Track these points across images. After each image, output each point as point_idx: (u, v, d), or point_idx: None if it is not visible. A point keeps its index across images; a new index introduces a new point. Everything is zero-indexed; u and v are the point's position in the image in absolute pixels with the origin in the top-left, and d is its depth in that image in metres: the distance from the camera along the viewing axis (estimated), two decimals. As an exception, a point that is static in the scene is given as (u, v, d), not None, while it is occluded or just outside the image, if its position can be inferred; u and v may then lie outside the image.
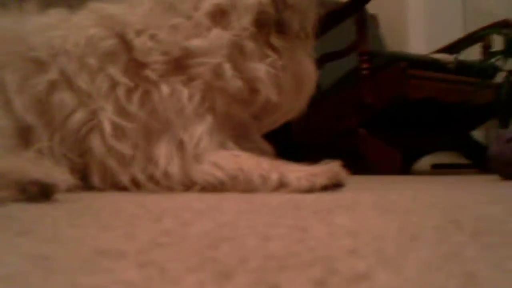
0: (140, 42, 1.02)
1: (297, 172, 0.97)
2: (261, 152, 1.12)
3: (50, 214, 0.59)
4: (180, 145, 1.01)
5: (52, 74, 1.01)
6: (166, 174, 0.99)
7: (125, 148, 1.00)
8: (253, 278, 0.30)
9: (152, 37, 1.03)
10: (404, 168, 2.38)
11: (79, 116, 1.01)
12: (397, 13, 3.22)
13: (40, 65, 1.02)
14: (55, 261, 0.35)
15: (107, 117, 1.01)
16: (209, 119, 1.04)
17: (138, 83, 1.02)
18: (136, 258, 0.36)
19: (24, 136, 0.98)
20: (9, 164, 0.74)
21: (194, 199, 0.81)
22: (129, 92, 1.02)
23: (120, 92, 1.01)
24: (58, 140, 1.00)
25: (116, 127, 1.01)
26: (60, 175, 0.75)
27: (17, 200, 0.70)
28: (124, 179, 1.00)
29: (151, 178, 1.00)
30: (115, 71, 1.02)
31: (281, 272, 0.32)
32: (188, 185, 0.99)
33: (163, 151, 1.00)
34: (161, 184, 0.99)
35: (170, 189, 0.99)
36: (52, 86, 1.01)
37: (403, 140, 2.40)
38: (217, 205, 0.71)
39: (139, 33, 1.03)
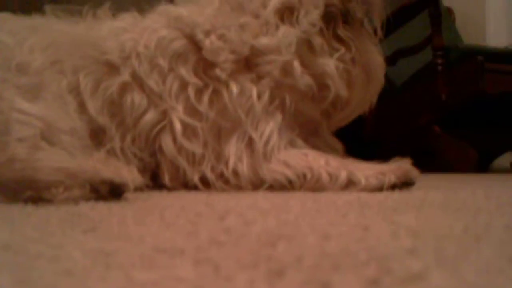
0: (209, 42, 1.04)
1: (366, 171, 0.96)
2: (331, 150, 1.11)
3: (118, 212, 0.61)
4: (250, 144, 1.01)
5: (124, 76, 1.04)
6: (235, 173, 1.00)
7: (195, 147, 1.02)
8: (305, 277, 0.30)
9: (221, 36, 1.04)
10: (481, 166, 2.30)
11: (150, 116, 1.03)
12: (475, 4, 3.11)
13: (112, 68, 1.04)
14: (115, 258, 0.36)
15: (178, 116, 1.02)
16: (278, 117, 1.04)
17: (207, 83, 1.04)
18: (193, 256, 0.36)
19: (97, 137, 1.01)
20: (82, 164, 0.77)
21: (261, 198, 0.81)
22: (199, 91, 1.03)
23: (190, 92, 1.03)
24: (129, 140, 1.03)
25: (186, 126, 1.02)
26: (130, 175, 0.77)
27: (88, 199, 0.73)
28: (194, 177, 1.01)
29: (220, 176, 1.01)
30: (185, 71, 1.04)
31: (335, 271, 0.32)
32: (257, 184, 1.00)
33: (232, 150, 1.01)
34: (230, 182, 1.00)
35: (238, 188, 1.00)
36: (124, 88, 1.04)
37: (479, 137, 2.31)
38: (282, 204, 0.71)
39: (208, 33, 1.05)
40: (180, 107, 1.03)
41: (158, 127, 1.04)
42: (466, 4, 3.10)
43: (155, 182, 1.04)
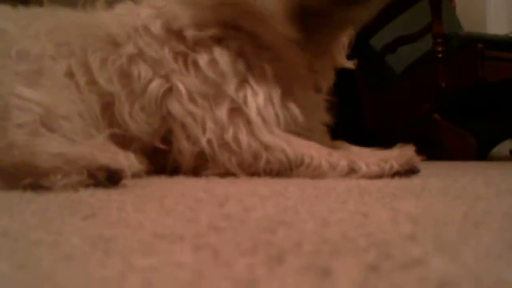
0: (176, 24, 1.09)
1: (368, 158, 0.95)
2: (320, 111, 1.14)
3: (117, 199, 0.61)
4: (241, 113, 1.02)
5: (130, 49, 1.08)
6: (236, 139, 1.01)
7: (197, 110, 1.03)
8: (304, 262, 0.30)
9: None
10: (481, 154, 2.30)
11: (156, 83, 1.06)
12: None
13: (117, 44, 1.09)
14: (114, 244, 0.36)
15: (179, 79, 1.05)
16: (260, 81, 1.05)
17: (187, 52, 1.08)
18: (192, 242, 0.36)
19: (108, 108, 1.04)
20: (79, 150, 0.77)
21: (260, 185, 0.81)
22: (185, 60, 1.07)
23: (179, 60, 1.07)
24: (138, 108, 1.05)
25: (187, 89, 1.05)
26: (127, 161, 0.77)
27: (87, 185, 0.73)
28: (202, 140, 1.02)
29: (224, 144, 1.01)
30: (175, 42, 1.08)
31: (334, 256, 0.32)
32: (256, 155, 0.99)
33: (225, 118, 1.02)
34: (233, 150, 1.00)
35: (240, 160, 1.00)
36: (131, 60, 1.07)
37: (479, 125, 2.32)
38: (282, 191, 0.71)
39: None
40: (178, 72, 1.06)
41: (163, 91, 1.06)
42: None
43: (170, 147, 1.06)
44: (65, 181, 0.72)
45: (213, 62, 1.06)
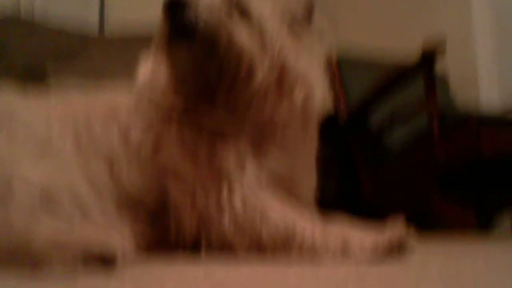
0: None
1: (360, 236, 0.95)
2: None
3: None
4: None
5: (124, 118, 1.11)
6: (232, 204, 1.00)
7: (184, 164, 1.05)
8: None
9: None
10: (481, 227, 2.29)
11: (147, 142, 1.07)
12: (468, 69, 3.17)
13: (116, 114, 1.12)
14: None
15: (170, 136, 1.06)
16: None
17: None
18: None
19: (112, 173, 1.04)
20: (73, 235, 0.77)
21: (260, 271, 0.81)
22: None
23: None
24: (134, 167, 1.05)
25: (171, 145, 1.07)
26: (121, 242, 0.77)
27: (83, 271, 0.73)
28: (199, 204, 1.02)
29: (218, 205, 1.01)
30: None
31: None
32: (252, 223, 0.98)
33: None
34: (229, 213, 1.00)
35: (238, 228, 0.98)
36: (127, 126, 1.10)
37: (479, 198, 2.32)
38: (280, 278, 0.70)
39: None
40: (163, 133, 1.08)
41: (154, 145, 1.06)
42: (460, 69, 3.15)
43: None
44: (60, 268, 0.72)
45: (181, 131, 1.06)
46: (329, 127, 1.21)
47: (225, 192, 1.00)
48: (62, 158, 0.98)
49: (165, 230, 1.06)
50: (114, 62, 2.52)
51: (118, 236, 0.81)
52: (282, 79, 1.04)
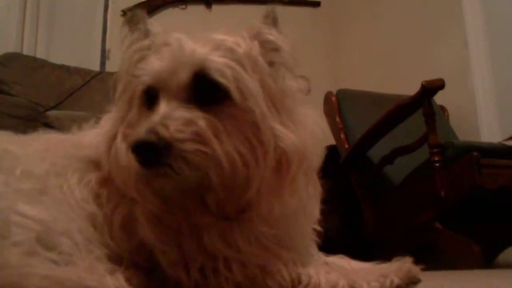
0: None
1: (367, 276, 0.94)
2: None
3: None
4: None
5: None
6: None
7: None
8: None
9: None
10: (486, 261, 2.27)
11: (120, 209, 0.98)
12: (466, 102, 3.19)
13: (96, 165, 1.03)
14: None
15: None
16: None
17: None
18: None
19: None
20: (68, 273, 0.76)
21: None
22: None
23: None
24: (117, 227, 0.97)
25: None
26: (114, 283, 0.76)
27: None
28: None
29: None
30: None
31: None
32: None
33: None
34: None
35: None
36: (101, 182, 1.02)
37: (483, 231, 2.31)
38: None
39: None
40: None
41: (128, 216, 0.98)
42: (458, 102, 3.18)
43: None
44: None
45: None
46: (330, 161, 1.21)
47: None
48: (59, 195, 0.96)
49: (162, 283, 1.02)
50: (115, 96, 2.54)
51: (111, 276, 0.79)
52: (280, 167, 0.93)
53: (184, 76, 0.89)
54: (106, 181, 1.00)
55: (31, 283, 0.73)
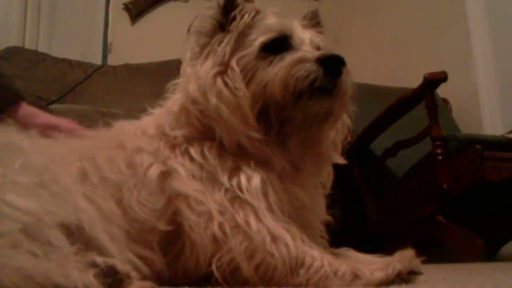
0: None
1: (370, 264, 0.94)
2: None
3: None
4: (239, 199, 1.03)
5: (131, 146, 1.11)
6: (248, 224, 0.99)
7: (197, 186, 1.05)
8: None
9: None
10: (489, 254, 2.27)
11: (155, 167, 1.06)
12: (469, 94, 3.18)
13: (122, 146, 1.12)
14: None
15: (176, 162, 1.06)
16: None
17: (181, 144, 1.11)
18: None
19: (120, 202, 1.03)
20: (38, 266, 0.74)
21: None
22: (179, 149, 1.10)
23: (175, 150, 1.11)
24: (145, 193, 1.04)
25: (185, 171, 1.06)
26: (81, 279, 0.74)
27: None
28: (215, 223, 1.00)
29: (234, 224, 1.00)
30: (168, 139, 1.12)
31: None
32: (264, 244, 0.97)
33: (225, 202, 1.02)
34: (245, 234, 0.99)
35: (248, 249, 0.97)
36: (133, 152, 1.10)
37: (485, 224, 2.31)
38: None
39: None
40: (174, 158, 1.09)
41: (162, 172, 1.06)
42: (461, 94, 3.17)
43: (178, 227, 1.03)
44: None
45: (203, 153, 1.07)
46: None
47: (241, 214, 1.00)
48: (62, 187, 0.96)
49: (179, 255, 1.05)
50: (117, 90, 2.54)
51: (80, 272, 0.78)
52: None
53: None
54: (139, 150, 1.09)
55: (4, 274, 0.72)
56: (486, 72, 3.14)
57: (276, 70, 1.04)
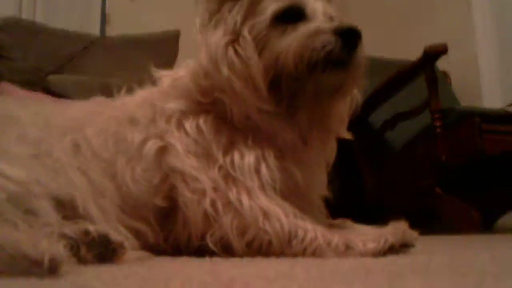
0: None
1: (363, 235, 0.96)
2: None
3: (122, 283, 0.61)
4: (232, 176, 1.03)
5: (121, 115, 1.13)
6: (240, 201, 1.00)
7: (193, 162, 1.05)
8: None
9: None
10: (486, 226, 2.29)
11: (151, 142, 1.07)
12: (469, 68, 3.17)
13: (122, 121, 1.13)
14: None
15: (172, 137, 1.07)
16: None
17: (176, 116, 1.11)
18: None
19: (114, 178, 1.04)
20: (8, 236, 0.71)
21: (265, 266, 0.81)
22: (174, 121, 1.10)
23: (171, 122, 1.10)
24: (139, 169, 1.05)
25: (181, 146, 1.06)
26: (49, 250, 0.72)
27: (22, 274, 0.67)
28: (207, 200, 1.02)
29: (226, 201, 1.01)
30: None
31: None
32: (256, 221, 0.98)
33: (218, 178, 1.03)
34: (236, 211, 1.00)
35: (240, 225, 0.98)
36: (123, 125, 1.11)
37: (482, 197, 2.32)
38: (287, 272, 0.70)
39: None
40: (170, 132, 1.09)
41: (159, 147, 1.07)
42: (461, 67, 3.16)
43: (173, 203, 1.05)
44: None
45: (198, 127, 1.07)
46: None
47: (234, 192, 1.00)
48: (55, 160, 0.96)
49: (172, 230, 1.06)
50: (115, 62, 2.53)
51: (49, 241, 0.76)
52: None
53: None
54: (132, 121, 1.10)
55: None
56: (486, 45, 3.13)
57: (290, 41, 1.02)
